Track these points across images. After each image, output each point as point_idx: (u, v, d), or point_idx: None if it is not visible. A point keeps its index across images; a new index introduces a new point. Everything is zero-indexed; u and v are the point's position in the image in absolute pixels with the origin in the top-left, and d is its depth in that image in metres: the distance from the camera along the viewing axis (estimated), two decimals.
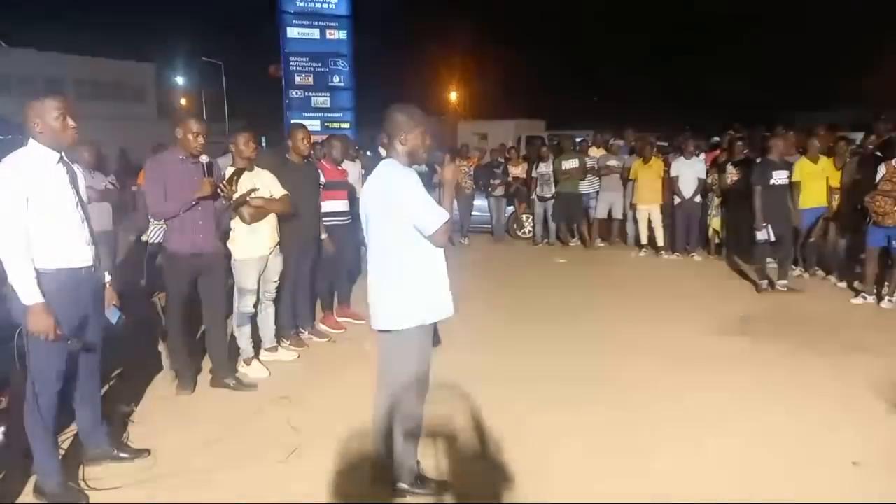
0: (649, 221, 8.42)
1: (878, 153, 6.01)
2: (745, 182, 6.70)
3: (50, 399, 2.62)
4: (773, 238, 6.24)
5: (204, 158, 3.56)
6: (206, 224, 3.64)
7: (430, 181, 9.15)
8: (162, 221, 3.68)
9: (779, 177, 6.27)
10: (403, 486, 2.73)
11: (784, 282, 6.39)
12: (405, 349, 2.62)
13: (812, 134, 7.08)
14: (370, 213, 2.63)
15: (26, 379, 2.59)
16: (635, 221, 8.69)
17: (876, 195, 5.63)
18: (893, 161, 5.66)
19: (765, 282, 6.39)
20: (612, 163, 8.83)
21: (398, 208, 2.50)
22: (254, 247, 4.07)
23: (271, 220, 4.13)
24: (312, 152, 4.99)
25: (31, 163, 2.54)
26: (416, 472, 2.75)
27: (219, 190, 3.53)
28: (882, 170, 5.69)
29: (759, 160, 6.52)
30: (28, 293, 2.47)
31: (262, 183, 4.11)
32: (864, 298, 5.87)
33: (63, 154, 2.67)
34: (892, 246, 5.62)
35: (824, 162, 6.71)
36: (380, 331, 2.68)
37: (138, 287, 6.14)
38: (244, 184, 3.94)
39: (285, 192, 4.22)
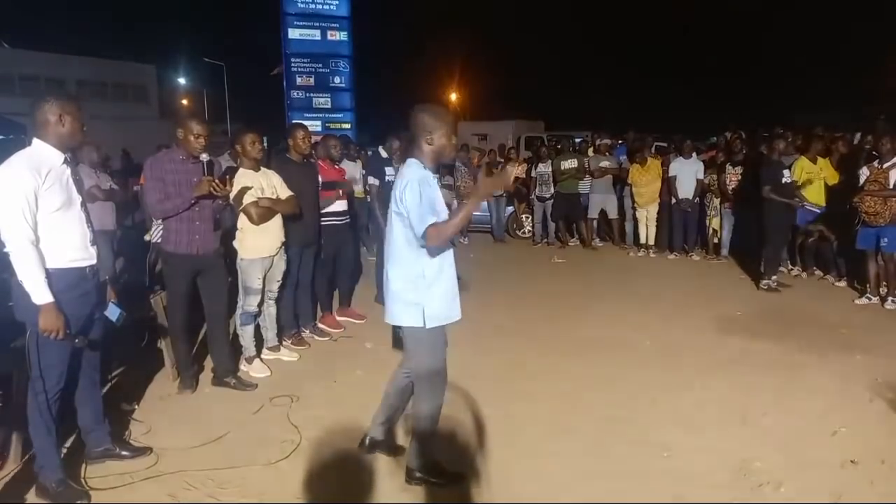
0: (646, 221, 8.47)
1: (875, 153, 6.04)
2: (751, 182, 6.72)
3: (53, 398, 2.64)
4: (816, 210, 6.47)
5: (204, 157, 3.56)
6: (203, 224, 3.64)
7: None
8: (161, 221, 3.69)
9: (787, 175, 6.35)
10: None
11: (774, 277, 6.49)
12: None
13: (811, 134, 7.10)
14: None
15: (29, 378, 2.61)
16: (634, 221, 8.71)
17: (864, 195, 5.68)
18: (875, 163, 5.72)
19: (773, 279, 6.42)
20: (605, 164, 8.79)
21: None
22: (260, 247, 4.10)
23: (277, 220, 4.15)
24: (313, 152, 5.02)
25: (39, 162, 2.55)
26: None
27: (212, 189, 3.51)
28: (865, 172, 5.76)
29: (768, 161, 6.50)
30: (39, 293, 2.49)
31: (269, 183, 4.13)
32: (869, 299, 5.88)
33: (67, 155, 2.69)
34: (881, 245, 5.66)
35: (822, 162, 6.74)
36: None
37: (141, 286, 6.17)
38: (247, 182, 3.96)
39: (291, 194, 4.24)
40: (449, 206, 2.88)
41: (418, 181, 2.54)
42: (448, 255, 2.71)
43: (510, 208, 10.06)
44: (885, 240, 5.60)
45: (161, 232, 5.70)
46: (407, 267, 2.65)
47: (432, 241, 2.52)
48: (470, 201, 2.60)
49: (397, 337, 2.84)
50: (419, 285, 2.63)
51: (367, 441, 3.06)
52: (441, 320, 2.69)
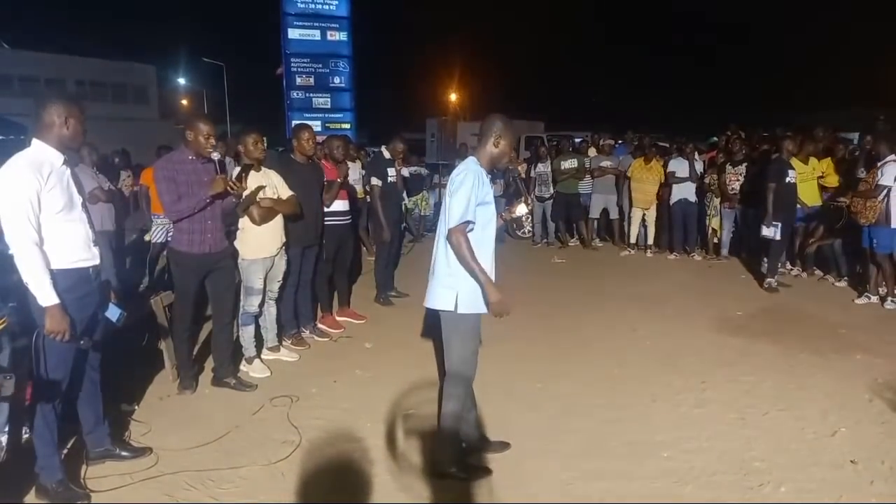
0: (642, 221, 8.49)
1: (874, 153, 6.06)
2: (756, 181, 6.73)
3: (55, 399, 2.64)
4: (778, 237, 6.32)
5: (215, 156, 3.58)
6: (214, 223, 3.65)
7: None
8: (168, 222, 3.68)
9: (791, 175, 6.37)
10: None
11: (776, 277, 6.51)
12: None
13: (810, 135, 7.12)
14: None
15: (31, 378, 2.60)
16: (629, 219, 8.72)
17: (853, 195, 5.77)
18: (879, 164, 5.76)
19: (774, 280, 6.43)
20: (606, 163, 8.82)
21: None
22: (262, 247, 4.09)
23: (278, 220, 4.15)
24: (315, 152, 5.02)
25: (40, 164, 2.55)
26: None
27: (229, 187, 3.53)
28: (864, 172, 5.81)
29: (777, 159, 6.51)
30: (45, 294, 2.48)
31: (270, 183, 4.13)
32: (868, 299, 5.89)
33: (66, 156, 2.69)
34: (872, 245, 5.69)
35: (815, 163, 6.77)
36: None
37: (141, 287, 6.17)
38: (252, 182, 3.97)
39: (292, 193, 4.25)
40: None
41: (476, 174, 2.73)
42: (487, 246, 2.81)
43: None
44: (875, 241, 5.65)
45: (161, 231, 5.67)
46: (447, 250, 2.76)
47: (451, 238, 2.68)
48: (488, 285, 2.74)
49: (428, 324, 2.89)
50: (455, 270, 2.74)
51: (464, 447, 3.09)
52: (472, 308, 2.79)
